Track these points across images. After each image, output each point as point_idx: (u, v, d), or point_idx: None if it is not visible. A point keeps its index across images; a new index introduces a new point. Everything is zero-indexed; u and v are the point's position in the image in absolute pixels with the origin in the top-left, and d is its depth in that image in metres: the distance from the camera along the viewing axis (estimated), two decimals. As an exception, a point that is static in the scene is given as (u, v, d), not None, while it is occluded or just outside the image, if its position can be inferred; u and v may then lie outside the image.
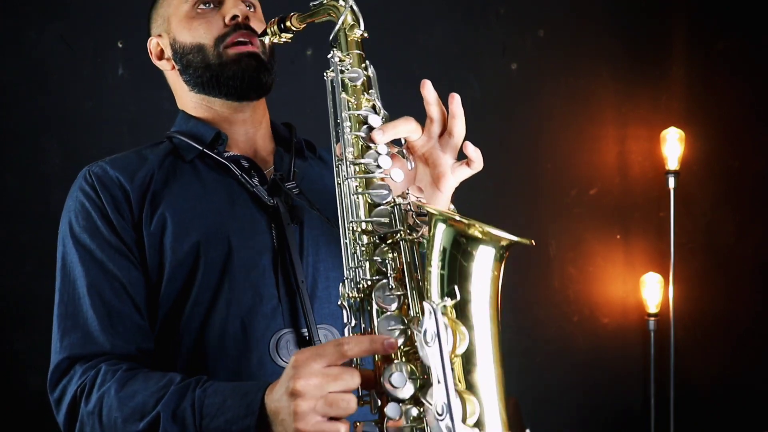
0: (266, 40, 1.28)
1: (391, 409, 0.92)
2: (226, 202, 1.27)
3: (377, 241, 1.03)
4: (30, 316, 2.62)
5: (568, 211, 3.14)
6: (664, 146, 3.04)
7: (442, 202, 1.16)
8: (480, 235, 0.94)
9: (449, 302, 0.92)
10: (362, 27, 1.15)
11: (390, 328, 0.96)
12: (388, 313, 0.98)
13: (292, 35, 1.27)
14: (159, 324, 1.23)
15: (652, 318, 3.05)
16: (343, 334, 1.03)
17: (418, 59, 2.99)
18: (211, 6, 1.34)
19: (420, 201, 1.02)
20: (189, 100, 1.39)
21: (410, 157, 1.14)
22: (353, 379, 0.93)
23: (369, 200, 1.05)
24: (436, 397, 0.87)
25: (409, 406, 0.93)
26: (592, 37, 3.13)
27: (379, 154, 1.06)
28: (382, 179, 1.06)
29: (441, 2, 3.07)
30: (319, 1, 1.19)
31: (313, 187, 1.34)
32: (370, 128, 1.08)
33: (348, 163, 1.07)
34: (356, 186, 1.06)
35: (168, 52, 1.38)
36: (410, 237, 1.01)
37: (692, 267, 3.13)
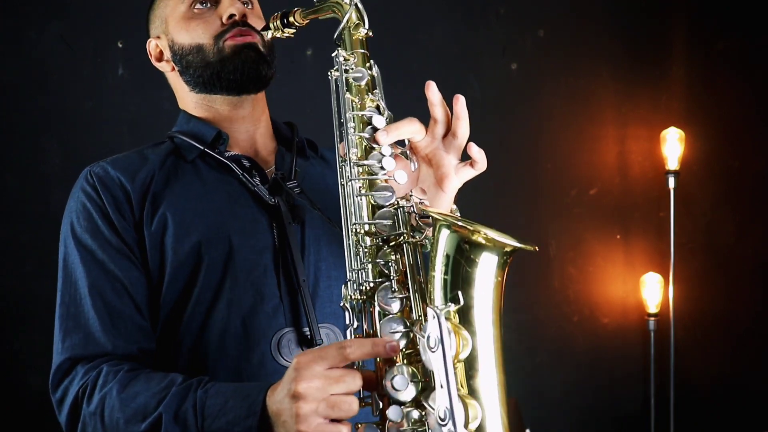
0: (268, 34, 1.27)
1: (392, 412, 0.93)
2: (227, 202, 1.27)
3: (380, 243, 1.03)
4: (30, 316, 2.62)
5: (568, 211, 3.14)
6: (664, 146, 3.04)
7: (445, 202, 1.16)
8: (483, 241, 0.94)
9: (452, 307, 0.92)
10: (367, 26, 1.15)
11: (392, 330, 0.96)
12: (391, 315, 0.98)
13: (294, 30, 1.25)
14: (160, 324, 1.23)
15: (652, 318, 3.05)
16: (344, 333, 1.04)
17: (418, 59, 2.99)
18: (208, 5, 1.34)
19: (423, 203, 1.02)
20: (189, 100, 1.39)
21: (413, 158, 1.14)
22: (355, 382, 0.93)
23: (372, 202, 1.05)
24: (439, 401, 0.88)
25: (410, 409, 0.93)
26: (592, 37, 3.13)
27: (383, 155, 1.06)
28: (386, 181, 1.06)
29: (441, 2, 3.07)
30: None
31: (314, 186, 1.34)
32: (374, 129, 1.08)
33: (351, 164, 1.07)
34: (360, 187, 1.06)
35: (167, 54, 1.38)
36: (413, 239, 1.01)
37: (692, 267, 3.13)
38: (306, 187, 1.32)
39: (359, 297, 1.02)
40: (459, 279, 0.95)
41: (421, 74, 2.91)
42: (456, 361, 0.92)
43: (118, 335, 1.18)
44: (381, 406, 0.96)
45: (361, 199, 1.05)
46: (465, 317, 0.94)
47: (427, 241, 1.00)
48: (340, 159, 1.09)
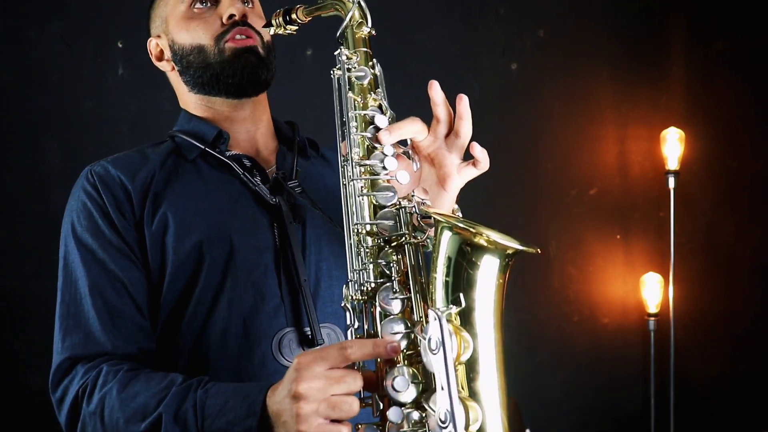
0: (271, 31, 1.26)
1: (393, 413, 0.93)
2: (228, 201, 1.27)
3: (382, 243, 1.03)
4: (30, 316, 2.62)
5: (568, 211, 3.14)
6: (664, 146, 3.04)
7: (447, 202, 1.16)
8: (485, 244, 0.94)
9: (454, 310, 0.92)
10: (370, 24, 1.14)
11: (393, 331, 0.96)
12: (392, 316, 0.98)
13: (297, 28, 1.24)
14: (160, 324, 1.23)
15: (652, 318, 3.05)
16: (346, 333, 1.04)
17: (417, 59, 2.99)
18: (208, 5, 1.33)
19: (425, 204, 1.02)
20: (190, 100, 1.39)
21: (416, 158, 1.14)
22: (356, 382, 0.94)
23: (374, 202, 1.05)
24: (440, 403, 0.88)
25: (410, 410, 0.93)
26: (591, 37, 3.13)
27: (385, 155, 1.06)
28: (388, 181, 1.06)
29: (440, 2, 3.07)
30: None
31: (315, 186, 1.34)
32: (377, 129, 1.07)
33: (354, 164, 1.06)
34: (361, 187, 1.06)
35: (167, 53, 1.37)
36: (415, 240, 1.01)
37: (692, 267, 3.13)
38: (307, 187, 1.31)
39: (360, 297, 1.02)
40: (461, 281, 0.94)
41: (420, 74, 2.91)
42: (457, 363, 0.92)
43: (118, 335, 1.18)
44: (381, 406, 0.96)
45: (362, 199, 1.05)
46: (466, 319, 0.94)
47: (428, 241, 1.00)
48: (342, 158, 1.09)
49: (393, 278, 1.00)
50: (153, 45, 1.40)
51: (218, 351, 1.20)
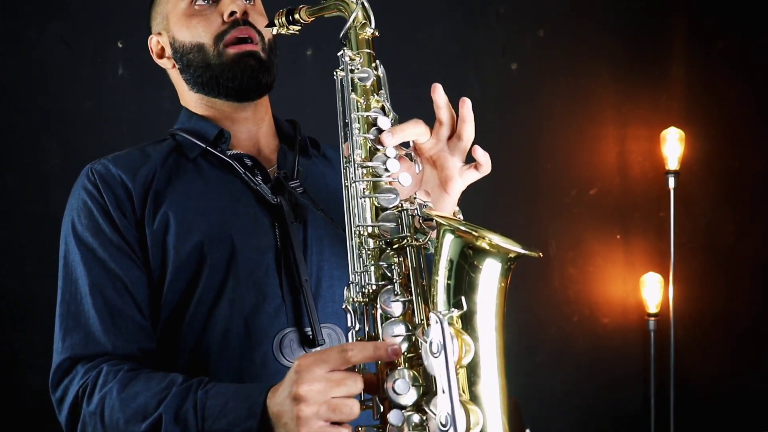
0: (273, 31, 1.25)
1: (393, 416, 0.93)
2: (229, 201, 1.26)
3: (383, 245, 1.03)
4: (30, 316, 2.62)
5: (568, 211, 3.14)
6: (664, 146, 3.04)
7: (449, 204, 1.16)
8: (487, 247, 0.94)
9: (456, 313, 0.92)
10: (373, 25, 1.14)
11: (394, 334, 0.96)
12: (393, 318, 0.98)
13: (299, 28, 1.23)
14: (161, 323, 1.22)
15: (652, 318, 3.05)
16: (346, 333, 1.04)
17: (418, 59, 2.99)
18: (209, 2, 1.33)
19: (427, 206, 1.02)
20: (191, 98, 1.38)
21: (418, 160, 1.14)
22: (356, 385, 0.93)
23: (376, 204, 1.05)
24: (441, 407, 0.87)
25: (411, 413, 0.93)
26: (592, 37, 3.13)
27: (388, 157, 1.06)
28: (390, 183, 1.06)
29: (441, 2, 3.07)
30: None
31: (316, 185, 1.34)
32: (379, 130, 1.07)
33: (356, 165, 1.06)
34: (364, 189, 1.05)
35: (168, 51, 1.37)
36: (416, 242, 1.01)
37: (692, 267, 3.13)
38: (308, 186, 1.31)
39: (362, 299, 1.02)
40: (462, 284, 0.94)
41: (420, 74, 2.92)
42: (458, 366, 0.91)
43: (118, 335, 1.18)
44: (382, 409, 0.96)
45: (364, 201, 1.05)
46: (468, 323, 0.94)
47: (430, 243, 1.00)
48: (344, 160, 1.09)
49: (394, 280, 1.00)
50: (154, 42, 1.39)
51: (219, 351, 1.20)
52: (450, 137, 1.14)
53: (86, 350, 1.17)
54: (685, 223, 3.12)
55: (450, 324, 0.89)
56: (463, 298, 0.93)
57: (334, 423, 0.93)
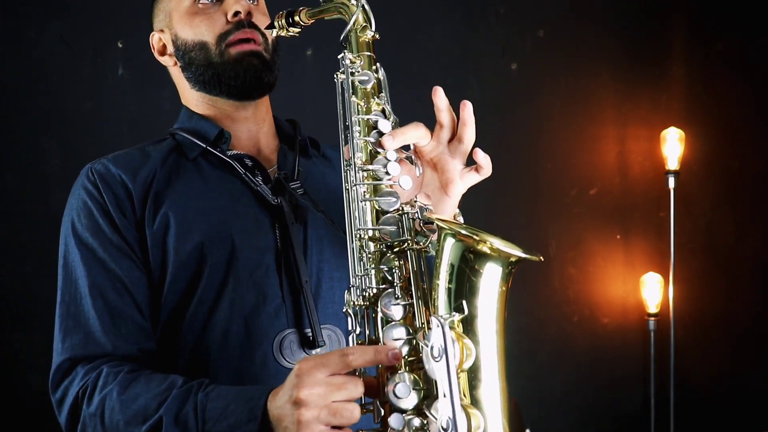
0: (273, 33, 1.25)
1: (394, 420, 0.93)
2: (230, 201, 1.26)
3: (384, 248, 1.03)
4: (30, 316, 2.62)
5: (568, 211, 3.14)
6: (664, 146, 3.04)
7: (449, 207, 1.16)
8: (489, 251, 0.94)
9: (457, 317, 0.92)
10: (374, 28, 1.14)
11: (395, 337, 0.96)
12: (394, 322, 0.98)
13: (300, 30, 1.23)
14: (161, 324, 1.22)
15: (652, 318, 3.05)
16: (346, 334, 1.03)
17: (418, 60, 2.99)
18: (213, 0, 1.32)
19: (428, 209, 1.02)
20: (191, 97, 1.38)
21: (418, 163, 1.14)
22: (357, 389, 0.93)
23: (377, 207, 1.05)
24: (442, 411, 0.87)
25: (411, 417, 0.93)
26: (592, 37, 3.13)
27: (388, 160, 1.06)
28: (391, 186, 1.06)
29: (441, 2, 3.07)
30: None
31: (316, 186, 1.34)
32: (380, 134, 1.07)
33: (356, 168, 1.06)
34: (364, 192, 1.05)
35: (170, 48, 1.36)
36: (417, 246, 1.01)
37: (692, 267, 3.13)
38: (308, 187, 1.31)
39: (362, 303, 1.01)
40: (463, 288, 0.94)
41: (420, 75, 2.92)
42: (459, 370, 0.91)
43: (118, 335, 1.17)
44: (383, 413, 0.96)
45: (365, 204, 1.05)
46: (469, 327, 0.93)
47: (431, 246, 1.00)
48: (345, 163, 1.09)
49: (395, 284, 0.99)
50: (155, 39, 1.39)
51: (219, 351, 1.20)
52: (451, 140, 1.14)
53: (86, 351, 1.16)
54: (685, 223, 3.12)
55: (451, 328, 0.89)
56: (464, 302, 0.92)
57: (335, 427, 0.92)
